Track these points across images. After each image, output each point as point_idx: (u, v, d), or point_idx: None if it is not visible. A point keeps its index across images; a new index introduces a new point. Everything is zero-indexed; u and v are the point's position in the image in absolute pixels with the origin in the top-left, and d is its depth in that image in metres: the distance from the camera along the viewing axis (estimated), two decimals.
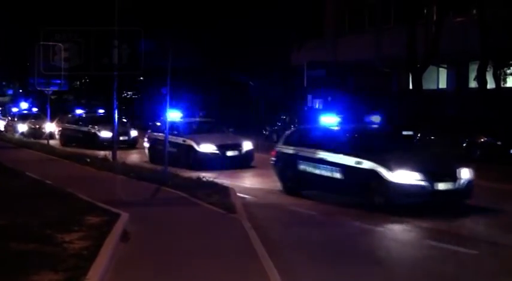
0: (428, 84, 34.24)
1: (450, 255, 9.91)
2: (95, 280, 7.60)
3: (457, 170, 13.85)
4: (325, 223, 12.75)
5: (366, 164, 13.83)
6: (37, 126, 38.30)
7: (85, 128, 32.05)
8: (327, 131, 15.93)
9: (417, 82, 32.75)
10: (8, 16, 49.21)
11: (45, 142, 30.59)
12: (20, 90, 65.39)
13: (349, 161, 14.25)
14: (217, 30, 44.78)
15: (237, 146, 22.83)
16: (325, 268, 9.16)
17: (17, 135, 37.65)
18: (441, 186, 13.51)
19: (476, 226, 12.44)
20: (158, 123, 25.98)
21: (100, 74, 26.61)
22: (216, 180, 16.83)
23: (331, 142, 15.15)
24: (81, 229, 10.36)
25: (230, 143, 23.00)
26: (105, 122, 30.86)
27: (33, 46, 26.60)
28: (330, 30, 41.94)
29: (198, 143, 22.33)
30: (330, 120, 16.33)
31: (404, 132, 28.83)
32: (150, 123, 28.76)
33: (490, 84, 29.68)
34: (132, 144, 31.35)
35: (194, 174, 18.44)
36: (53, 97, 32.64)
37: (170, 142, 20.09)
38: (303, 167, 15.72)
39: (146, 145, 25.29)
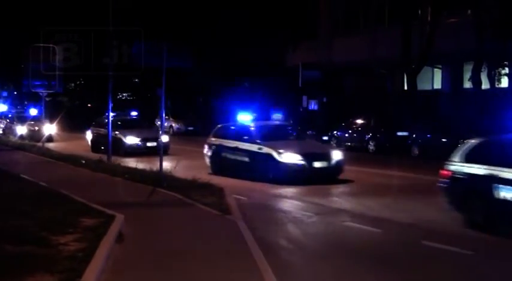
0: (423, 85, 34.28)
1: (444, 255, 9.91)
2: None
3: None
4: (320, 224, 12.74)
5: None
6: (36, 128, 37.15)
7: (112, 133, 29.30)
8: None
9: (412, 83, 32.79)
10: (0, 17, 49.08)
11: (41, 144, 30.35)
12: (15, 92, 65.22)
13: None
14: (212, 31, 44.79)
15: (326, 156, 19.06)
16: (321, 269, 9.17)
17: (15, 138, 36.81)
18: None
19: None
20: (220, 127, 22.59)
21: (99, 74, 25.99)
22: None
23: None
24: (76, 231, 10.35)
25: (318, 152, 19.44)
26: (135, 126, 30.01)
27: (28, 48, 26.58)
28: (324, 31, 41.93)
29: (279, 152, 18.64)
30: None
31: (399, 133, 28.97)
32: (308, 132, 25.35)
33: (485, 85, 29.72)
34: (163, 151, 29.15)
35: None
36: (47, 99, 32.28)
37: (240, 150, 19.57)
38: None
39: (207, 152, 21.60)
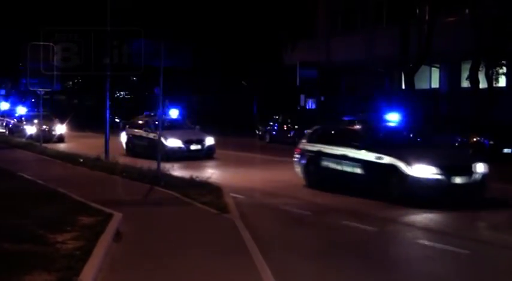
0: (420, 84, 34.32)
1: (443, 255, 9.92)
2: (88, 280, 7.59)
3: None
4: (318, 223, 12.74)
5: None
6: (46, 128, 35.60)
7: (151, 135, 25.93)
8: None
9: (410, 82, 32.83)
10: (0, 17, 49.01)
11: (40, 143, 30.18)
12: (13, 91, 65.13)
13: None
14: (210, 31, 44.78)
15: (468, 169, 14.52)
16: (318, 268, 9.17)
17: (23, 139, 34.25)
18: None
19: (469, 225, 12.47)
20: (317, 128, 18.42)
21: (99, 74, 25.21)
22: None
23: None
24: (73, 229, 10.35)
25: (459, 164, 14.93)
26: (175, 126, 27.23)
27: (25, 46, 26.55)
28: (322, 31, 41.98)
29: (409, 163, 14.23)
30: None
31: None
32: (305, 131, 20.57)
33: (482, 84, 29.76)
34: (208, 154, 25.66)
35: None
36: (45, 97, 32.12)
37: (349, 159, 15.80)
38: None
39: (299, 161, 17.82)
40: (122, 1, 21.88)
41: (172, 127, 26.61)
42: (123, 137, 28.15)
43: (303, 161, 17.54)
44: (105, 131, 23.25)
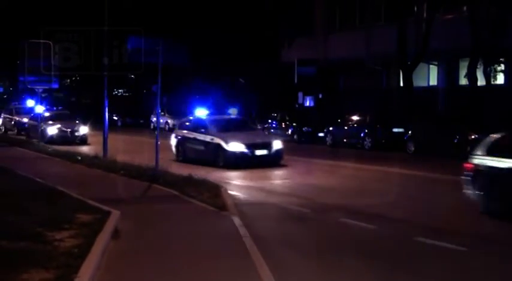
0: (418, 82, 34.30)
1: (440, 252, 9.92)
2: (86, 278, 7.59)
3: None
4: (317, 221, 12.75)
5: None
6: (69, 129, 32.82)
7: (207, 137, 22.78)
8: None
9: (408, 79, 32.82)
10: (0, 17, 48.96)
11: (37, 140, 30.03)
12: (11, 88, 65.05)
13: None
14: (206, 27, 44.75)
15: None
16: (317, 265, 9.17)
17: (42, 143, 29.75)
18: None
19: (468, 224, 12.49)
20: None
21: (99, 74, 24.71)
22: None
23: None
24: (72, 227, 10.34)
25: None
26: (236, 127, 23.94)
27: (24, 43, 26.53)
28: (320, 28, 41.91)
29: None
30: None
31: (395, 130, 29.00)
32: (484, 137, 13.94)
33: (481, 81, 29.75)
34: (275, 159, 22.05)
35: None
36: (43, 95, 31.92)
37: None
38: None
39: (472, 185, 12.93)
40: (122, 0, 21.88)
41: (231, 128, 23.49)
42: (173, 139, 24.56)
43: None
44: (104, 129, 23.26)
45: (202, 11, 44.69)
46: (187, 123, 25.31)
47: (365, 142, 29.43)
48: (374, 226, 11.72)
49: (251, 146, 21.46)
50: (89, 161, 21.33)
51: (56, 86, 30.03)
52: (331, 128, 31.85)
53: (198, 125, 23.88)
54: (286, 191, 16.74)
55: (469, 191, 12.94)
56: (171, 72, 30.76)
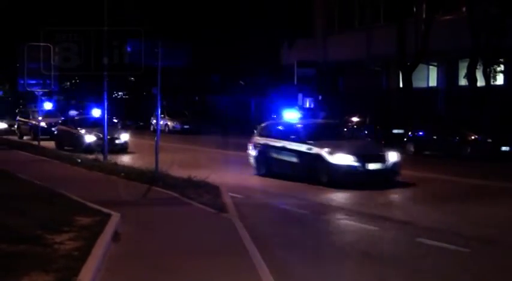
0: (418, 82, 34.32)
1: (441, 253, 9.91)
2: None
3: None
4: (317, 222, 12.73)
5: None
6: (108, 136, 24.82)
7: (303, 147, 18.11)
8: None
9: (407, 80, 32.84)
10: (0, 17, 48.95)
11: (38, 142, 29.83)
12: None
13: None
14: (207, 30, 44.78)
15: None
16: (317, 267, 9.16)
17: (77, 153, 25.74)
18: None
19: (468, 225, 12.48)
20: None
21: (99, 74, 24.35)
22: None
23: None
24: (72, 230, 10.32)
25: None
26: (339, 135, 19.95)
27: (23, 46, 26.51)
28: (320, 29, 41.95)
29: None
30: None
31: (395, 131, 29.01)
32: None
33: (480, 82, 29.76)
34: (391, 175, 17.56)
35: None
36: (43, 98, 31.72)
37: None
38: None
39: None
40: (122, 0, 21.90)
41: (331, 135, 19.14)
42: (252, 149, 20.26)
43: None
44: (104, 131, 23.23)
45: (202, 11, 44.70)
46: (270, 129, 20.50)
47: None
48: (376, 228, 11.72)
49: (362, 158, 17.15)
50: (88, 163, 21.30)
51: (55, 88, 29.98)
52: None
53: (288, 131, 19.15)
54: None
55: None
56: (171, 73, 30.73)
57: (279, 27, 42.92)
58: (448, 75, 34.58)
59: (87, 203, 12.91)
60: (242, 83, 50.71)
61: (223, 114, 48.55)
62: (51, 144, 30.73)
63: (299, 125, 19.33)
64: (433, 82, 35.80)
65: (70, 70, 26.02)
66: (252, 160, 20.05)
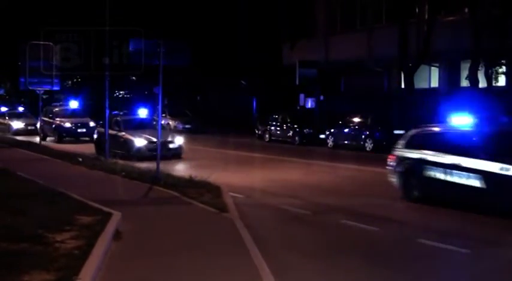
0: (420, 83, 34.29)
1: (440, 253, 9.91)
2: (87, 279, 7.58)
3: None
4: (317, 222, 12.74)
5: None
6: (161, 140, 19.39)
7: (489, 166, 12.84)
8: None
9: (409, 81, 32.82)
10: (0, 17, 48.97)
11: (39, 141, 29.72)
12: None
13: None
14: (209, 30, 44.80)
15: None
16: (317, 267, 9.16)
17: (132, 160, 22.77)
18: None
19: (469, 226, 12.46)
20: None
21: (99, 74, 24.08)
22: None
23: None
24: (73, 229, 10.32)
25: None
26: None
27: (25, 45, 26.52)
28: (321, 30, 41.91)
29: None
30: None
31: (396, 132, 28.97)
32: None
33: (482, 83, 29.74)
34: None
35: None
36: (44, 97, 31.64)
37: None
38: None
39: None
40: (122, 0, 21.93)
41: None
42: (397, 165, 15.41)
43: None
44: (105, 130, 23.23)
45: (203, 12, 44.72)
46: (428, 139, 14.91)
47: (366, 144, 29.42)
48: (376, 228, 11.72)
49: None
50: (90, 162, 21.30)
51: (57, 87, 29.97)
52: (332, 130, 31.85)
53: (462, 143, 13.82)
54: None
55: None
56: (172, 73, 30.73)
57: (280, 27, 42.93)
58: (449, 77, 34.54)
59: (88, 202, 12.92)
60: (243, 83, 50.70)
61: (223, 114, 48.59)
62: (79, 147, 28.66)
63: (482, 136, 13.66)
64: (434, 83, 35.75)
65: (70, 70, 26.05)
66: (395, 180, 15.41)
